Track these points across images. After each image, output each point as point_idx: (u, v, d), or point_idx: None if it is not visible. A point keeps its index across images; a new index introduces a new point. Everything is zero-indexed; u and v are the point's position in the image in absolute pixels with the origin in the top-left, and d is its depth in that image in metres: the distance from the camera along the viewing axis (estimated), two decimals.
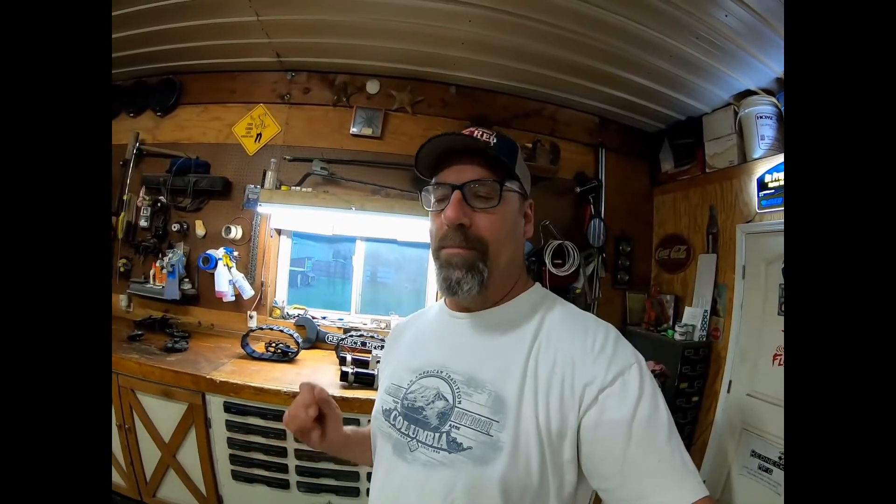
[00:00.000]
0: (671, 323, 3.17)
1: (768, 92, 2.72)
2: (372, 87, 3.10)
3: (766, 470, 2.49)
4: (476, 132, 0.83)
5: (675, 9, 2.11)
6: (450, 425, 0.74)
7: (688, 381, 2.87)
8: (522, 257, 0.89)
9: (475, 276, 0.79)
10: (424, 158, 0.85)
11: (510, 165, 0.82)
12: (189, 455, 2.28)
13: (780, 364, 2.53)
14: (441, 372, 0.81)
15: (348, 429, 1.00)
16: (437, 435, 0.75)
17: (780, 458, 2.44)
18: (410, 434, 0.78)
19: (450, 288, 0.81)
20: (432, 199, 0.85)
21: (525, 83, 3.05)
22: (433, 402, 0.78)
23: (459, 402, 0.75)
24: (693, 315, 3.00)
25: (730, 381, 2.80)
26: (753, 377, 2.69)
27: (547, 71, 2.85)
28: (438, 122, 3.15)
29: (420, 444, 0.76)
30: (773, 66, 2.49)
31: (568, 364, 0.72)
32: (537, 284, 0.90)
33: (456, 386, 0.78)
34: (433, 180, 0.85)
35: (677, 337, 2.93)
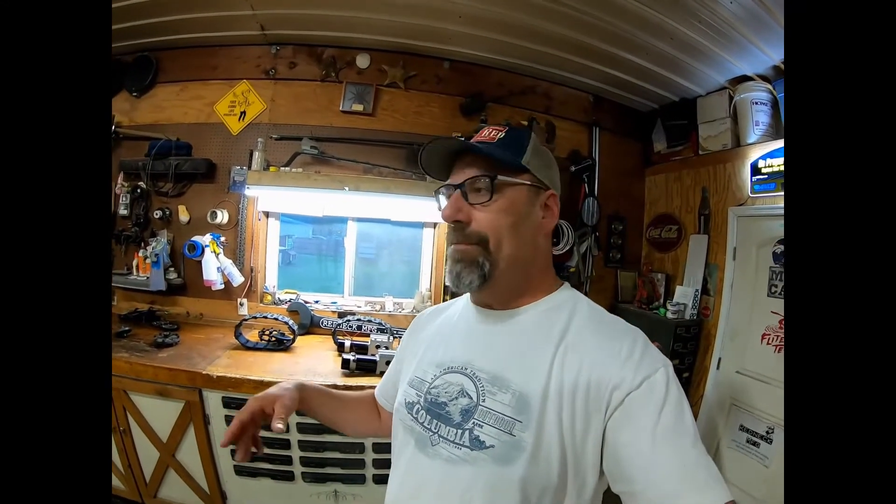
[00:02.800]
0: (662, 301, 3.24)
1: (765, 78, 2.73)
2: (362, 61, 2.97)
3: (754, 444, 2.60)
4: (487, 129, 0.87)
5: None
6: (473, 423, 0.75)
7: (678, 358, 2.95)
8: (544, 255, 0.88)
9: (475, 270, 0.80)
10: (429, 164, 0.90)
11: (514, 160, 0.82)
12: (189, 453, 2.23)
13: (768, 343, 2.62)
14: (466, 369, 0.82)
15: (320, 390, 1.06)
16: (460, 432, 0.75)
17: (767, 432, 2.55)
18: (433, 429, 0.79)
19: (453, 281, 0.83)
20: (444, 200, 0.87)
21: (521, 59, 2.98)
22: (457, 398, 0.79)
23: (483, 401, 0.76)
24: (684, 294, 3.06)
25: (719, 359, 2.88)
26: (742, 355, 2.78)
27: (544, 47, 2.78)
28: (432, 98, 3.07)
29: (441, 440, 0.77)
30: (770, 54, 2.49)
31: (595, 367, 0.72)
32: (566, 285, 0.89)
33: (480, 384, 0.78)
34: (447, 181, 0.88)
35: (669, 315, 2.99)
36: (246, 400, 2.04)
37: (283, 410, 0.90)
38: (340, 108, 2.96)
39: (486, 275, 0.80)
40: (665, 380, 0.69)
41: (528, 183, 0.83)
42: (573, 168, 3.25)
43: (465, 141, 0.85)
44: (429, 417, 0.81)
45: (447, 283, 0.87)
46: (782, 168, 2.61)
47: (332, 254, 3.25)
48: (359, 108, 2.96)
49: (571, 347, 0.76)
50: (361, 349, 2.35)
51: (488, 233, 0.80)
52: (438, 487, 0.76)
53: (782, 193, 2.62)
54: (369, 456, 2.20)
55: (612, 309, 0.83)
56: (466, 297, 0.96)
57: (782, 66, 2.58)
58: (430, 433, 0.80)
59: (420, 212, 3.02)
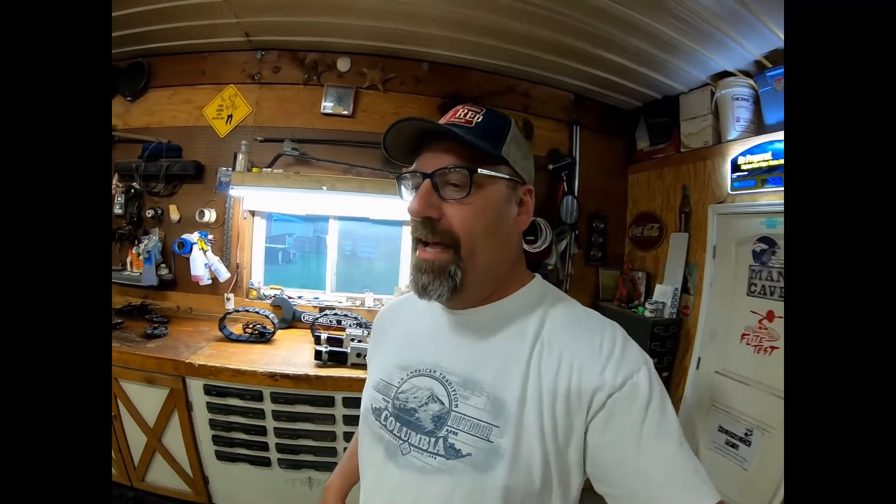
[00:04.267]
0: (642, 300, 3.22)
1: (746, 74, 2.68)
2: (343, 64, 3.06)
3: (733, 445, 2.58)
4: (461, 110, 0.76)
5: None
6: (447, 430, 0.71)
7: (656, 357, 2.93)
8: (516, 250, 0.81)
9: (445, 283, 0.72)
10: (394, 146, 0.77)
11: (494, 149, 0.73)
12: (174, 438, 2.35)
13: (748, 343, 2.60)
14: (434, 371, 0.77)
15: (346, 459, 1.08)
16: (433, 440, 0.71)
17: (745, 434, 2.53)
18: (402, 437, 0.75)
19: (418, 293, 0.75)
20: (407, 188, 0.78)
21: (499, 60, 3.01)
22: (426, 403, 0.74)
23: (456, 406, 0.72)
24: (664, 292, 3.05)
25: (699, 358, 2.87)
26: (722, 355, 2.75)
27: (522, 48, 2.81)
28: (411, 100, 3.13)
29: (413, 448, 0.73)
30: (750, 49, 2.45)
31: (574, 367, 0.68)
32: (537, 277, 0.84)
33: (452, 388, 0.73)
34: (412, 167, 0.77)
35: (647, 314, 2.98)
36: (226, 387, 2.17)
37: None
38: (322, 111, 3.05)
39: (457, 285, 0.73)
40: (647, 380, 0.66)
41: (507, 177, 0.75)
42: (551, 166, 3.25)
43: (440, 124, 0.73)
44: (398, 425, 0.76)
45: (412, 291, 0.79)
46: (762, 164, 2.57)
47: (315, 251, 3.37)
48: (339, 109, 3.05)
49: (547, 345, 0.72)
50: (336, 342, 2.44)
51: (460, 233, 0.72)
52: (414, 499, 0.71)
53: (763, 190, 2.58)
54: (341, 444, 2.29)
55: (592, 307, 0.81)
56: None
57: (763, 61, 2.54)
58: (401, 441, 0.74)
59: (397, 210, 3.08)
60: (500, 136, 0.74)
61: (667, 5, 2.18)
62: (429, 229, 0.73)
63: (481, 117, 0.74)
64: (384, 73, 3.05)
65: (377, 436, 0.79)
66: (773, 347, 2.48)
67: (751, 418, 2.53)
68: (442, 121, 0.76)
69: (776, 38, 2.30)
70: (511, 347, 0.73)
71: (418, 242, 0.76)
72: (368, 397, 0.86)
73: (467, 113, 0.75)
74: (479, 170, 0.71)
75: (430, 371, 0.77)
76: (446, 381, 0.74)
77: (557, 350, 0.71)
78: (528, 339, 0.73)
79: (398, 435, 0.75)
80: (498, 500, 0.66)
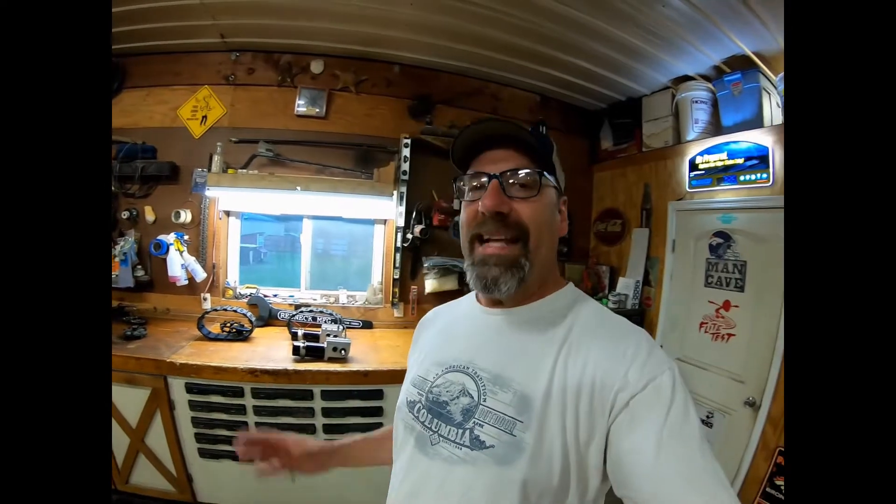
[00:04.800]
0: (607, 292, 3.37)
1: (705, 78, 2.83)
2: (316, 66, 3.11)
3: None
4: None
5: (618, 1, 2.19)
6: (474, 422, 0.74)
7: None
8: (555, 254, 0.86)
9: (515, 274, 0.76)
10: (459, 148, 0.83)
11: (548, 156, 0.80)
12: (157, 438, 2.36)
13: (706, 332, 2.77)
14: (467, 368, 0.80)
15: (346, 440, 1.09)
16: (461, 431, 0.74)
17: (708, 416, 2.71)
18: (433, 428, 0.78)
19: (486, 287, 0.79)
20: (466, 189, 0.82)
21: (468, 63, 3.11)
22: (458, 397, 0.78)
23: (484, 400, 0.75)
24: (626, 285, 3.21)
25: (661, 346, 2.99)
26: (683, 343, 2.93)
27: (490, 52, 2.90)
28: (383, 101, 3.20)
29: (442, 439, 0.76)
30: (710, 54, 2.60)
31: (599, 369, 0.70)
32: (570, 284, 0.88)
33: (482, 383, 0.77)
34: (469, 170, 0.82)
35: (610, 305, 3.13)
36: (207, 384, 2.22)
37: (287, 461, 1.02)
38: (295, 112, 3.10)
39: (525, 277, 0.77)
40: (671, 382, 0.67)
41: (556, 185, 0.82)
42: None
43: (515, 126, 0.79)
44: (430, 416, 0.79)
45: (474, 290, 0.85)
46: (719, 164, 2.73)
47: (290, 250, 3.41)
48: (312, 111, 3.11)
49: (575, 347, 0.74)
50: (313, 338, 2.50)
51: (530, 225, 0.76)
52: (438, 487, 0.74)
53: (719, 188, 2.73)
54: (321, 437, 2.35)
55: None
56: (471, 296, 0.95)
57: (722, 66, 2.68)
58: (431, 432, 0.78)
59: (368, 209, 3.19)
60: (551, 148, 0.83)
61: (631, 14, 2.29)
62: (500, 223, 0.77)
63: (531, 130, 0.81)
64: (357, 76, 3.12)
65: (409, 427, 0.83)
66: (729, 335, 2.65)
67: (712, 401, 2.70)
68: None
69: (734, 45, 2.45)
70: (541, 347, 0.76)
71: (475, 241, 0.81)
72: (405, 392, 0.90)
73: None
74: (545, 174, 0.79)
75: (464, 367, 0.81)
76: (477, 376, 0.78)
77: (584, 352, 0.73)
78: (556, 341, 0.76)
79: (429, 426, 0.79)
80: (516, 492, 0.68)
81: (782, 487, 2.22)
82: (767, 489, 2.29)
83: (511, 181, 0.77)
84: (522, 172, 0.77)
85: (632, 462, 0.64)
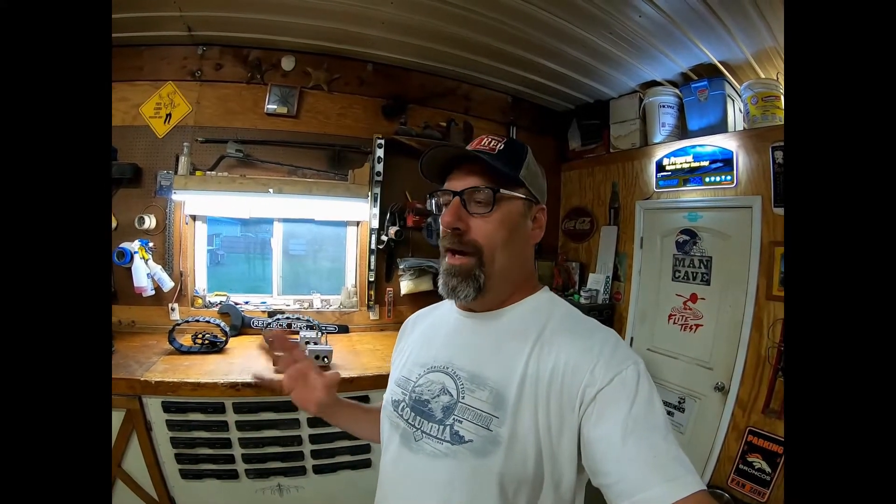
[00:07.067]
0: (577, 288, 3.49)
1: (672, 84, 2.96)
2: (287, 63, 3.00)
3: (669, 413, 2.87)
4: (486, 138, 0.88)
5: (592, 6, 2.24)
6: (453, 419, 0.79)
7: None
8: (529, 261, 0.93)
9: (471, 284, 0.83)
10: (429, 167, 0.91)
11: (513, 173, 0.85)
12: (135, 462, 2.20)
13: (674, 323, 2.95)
14: (447, 368, 0.86)
15: (354, 404, 1.14)
16: (442, 427, 0.80)
17: (679, 401, 2.88)
18: (416, 425, 0.84)
19: (448, 294, 0.86)
20: (438, 204, 0.90)
21: (441, 63, 3.11)
22: (438, 396, 0.84)
23: (463, 398, 0.80)
24: (596, 280, 3.34)
25: (632, 338, 3.19)
26: (652, 334, 3.10)
27: (463, 53, 2.91)
28: (355, 101, 3.15)
29: (425, 435, 0.81)
30: (677, 61, 2.72)
31: (569, 366, 0.75)
32: (545, 288, 0.94)
33: (460, 382, 0.82)
34: (443, 186, 0.89)
35: (582, 300, 3.25)
36: (186, 402, 2.15)
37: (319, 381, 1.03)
38: (265, 110, 2.99)
39: (481, 287, 0.83)
40: (636, 375, 0.71)
41: (523, 197, 0.87)
42: None
43: (470, 150, 0.86)
44: (413, 414, 0.85)
45: (441, 294, 0.90)
46: (685, 166, 2.87)
47: (259, 253, 3.27)
48: (283, 110, 3.00)
49: (547, 344, 0.80)
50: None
51: (483, 243, 0.83)
52: (422, 479, 0.80)
53: (685, 188, 2.87)
54: (307, 447, 2.28)
55: None
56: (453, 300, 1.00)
57: (689, 73, 2.81)
58: (414, 429, 0.84)
59: (342, 211, 3.13)
60: (519, 162, 0.87)
61: (604, 20, 2.36)
62: (457, 239, 0.84)
63: (503, 145, 0.86)
64: (329, 74, 3.04)
65: (395, 424, 0.89)
66: (697, 325, 2.83)
67: (682, 388, 2.88)
68: (469, 147, 0.88)
69: (702, 53, 2.58)
70: (515, 348, 0.81)
71: (447, 251, 0.87)
72: (390, 391, 0.96)
73: (491, 142, 0.87)
74: (501, 190, 0.83)
75: (444, 367, 0.87)
76: (456, 376, 0.84)
77: (556, 349, 0.78)
78: (530, 341, 0.81)
79: (412, 423, 0.85)
80: (494, 484, 0.74)
81: (755, 464, 2.41)
82: (741, 465, 2.47)
83: (472, 198, 0.84)
84: (479, 190, 0.83)
85: (601, 450, 0.68)
